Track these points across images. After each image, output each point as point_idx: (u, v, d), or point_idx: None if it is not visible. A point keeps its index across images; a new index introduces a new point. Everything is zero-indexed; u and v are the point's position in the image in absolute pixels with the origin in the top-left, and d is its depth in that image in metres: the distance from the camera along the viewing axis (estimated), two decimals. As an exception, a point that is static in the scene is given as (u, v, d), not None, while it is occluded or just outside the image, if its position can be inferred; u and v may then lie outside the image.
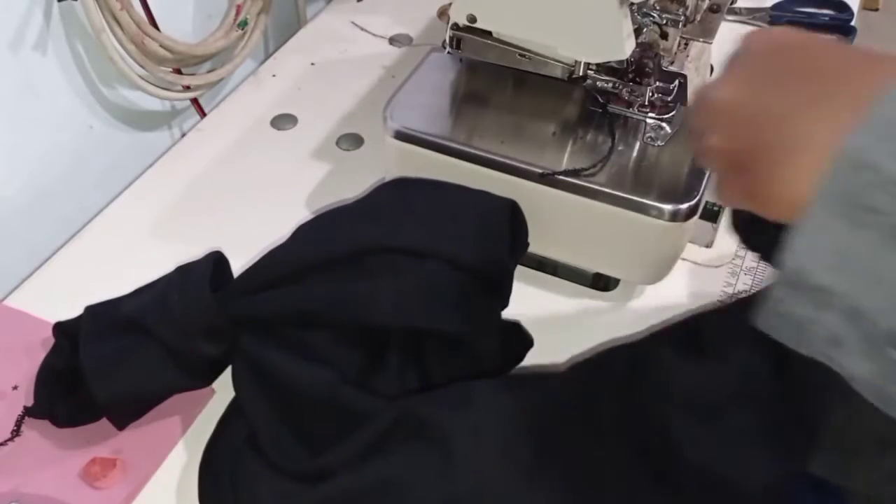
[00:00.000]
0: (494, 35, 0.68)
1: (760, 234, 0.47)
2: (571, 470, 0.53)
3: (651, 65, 0.68)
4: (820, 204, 0.33)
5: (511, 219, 0.65)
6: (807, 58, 0.36)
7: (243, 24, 0.88)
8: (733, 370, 0.49)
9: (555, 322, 0.68)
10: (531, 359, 0.65)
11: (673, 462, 0.50)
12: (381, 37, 1.01)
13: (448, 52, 0.72)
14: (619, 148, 0.67)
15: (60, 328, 0.61)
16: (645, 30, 0.68)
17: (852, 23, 1.01)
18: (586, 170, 0.64)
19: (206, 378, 0.62)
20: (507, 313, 0.66)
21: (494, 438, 0.53)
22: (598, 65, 0.67)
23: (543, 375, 0.60)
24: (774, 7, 1.03)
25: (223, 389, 0.62)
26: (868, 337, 0.33)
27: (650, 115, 0.69)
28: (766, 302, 0.36)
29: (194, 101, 0.90)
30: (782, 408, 0.49)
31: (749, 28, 1.01)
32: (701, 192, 0.63)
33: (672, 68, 0.71)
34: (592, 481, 0.53)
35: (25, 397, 0.62)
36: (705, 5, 0.70)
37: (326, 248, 0.60)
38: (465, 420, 0.54)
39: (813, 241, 0.33)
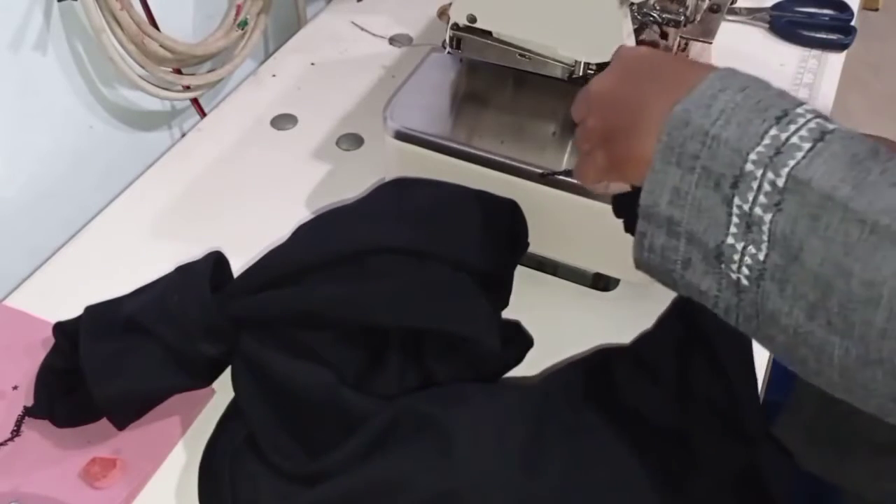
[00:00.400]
0: (494, 35, 0.68)
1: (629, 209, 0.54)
2: (566, 459, 0.54)
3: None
4: (658, 155, 0.44)
5: (511, 219, 0.65)
6: (656, 64, 0.49)
7: (243, 24, 0.88)
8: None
9: (555, 322, 0.68)
10: (531, 359, 0.65)
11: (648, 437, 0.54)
12: (381, 37, 1.01)
13: (448, 52, 0.72)
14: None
15: (60, 328, 0.61)
16: (645, 30, 0.68)
17: (852, 23, 1.01)
18: None
19: (206, 378, 0.62)
20: (507, 313, 0.66)
21: (491, 431, 0.54)
22: (598, 65, 0.67)
23: (529, 384, 0.61)
24: (774, 7, 1.03)
25: (223, 389, 0.62)
26: (705, 256, 0.43)
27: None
28: (636, 240, 0.46)
29: (194, 101, 0.90)
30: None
31: (748, 27, 1.01)
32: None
33: (672, 68, 0.71)
34: (587, 469, 0.53)
35: (25, 397, 0.62)
36: (705, 5, 0.71)
37: (326, 248, 0.60)
38: (462, 414, 0.54)
39: (655, 182, 0.44)
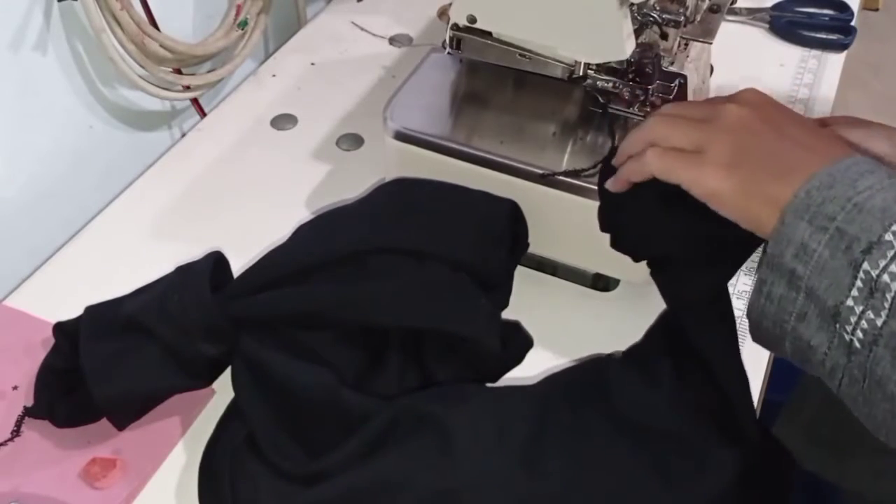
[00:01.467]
0: (494, 35, 0.68)
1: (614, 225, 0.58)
2: (566, 459, 0.54)
3: (651, 65, 0.68)
4: (791, 209, 0.45)
5: (511, 219, 0.65)
6: (798, 124, 0.51)
7: (243, 24, 0.88)
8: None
9: (555, 322, 0.68)
10: (531, 359, 0.65)
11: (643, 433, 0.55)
12: (381, 37, 1.01)
13: (448, 53, 0.72)
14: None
15: (60, 328, 0.61)
16: (645, 30, 0.68)
17: (852, 23, 1.01)
18: (586, 170, 0.64)
19: (206, 378, 0.62)
20: (507, 313, 0.66)
21: (492, 430, 0.54)
22: (598, 65, 0.67)
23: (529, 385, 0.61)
24: (774, 7, 1.03)
25: (223, 389, 0.62)
26: (821, 312, 0.45)
27: (650, 114, 0.69)
28: (755, 287, 0.48)
29: (194, 101, 0.90)
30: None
31: (748, 28, 1.01)
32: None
33: (672, 68, 0.71)
34: (587, 469, 0.54)
35: (25, 397, 0.62)
36: (705, 5, 0.71)
37: (327, 248, 0.60)
38: (462, 414, 0.54)
39: (783, 235, 0.46)
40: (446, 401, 0.55)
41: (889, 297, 0.42)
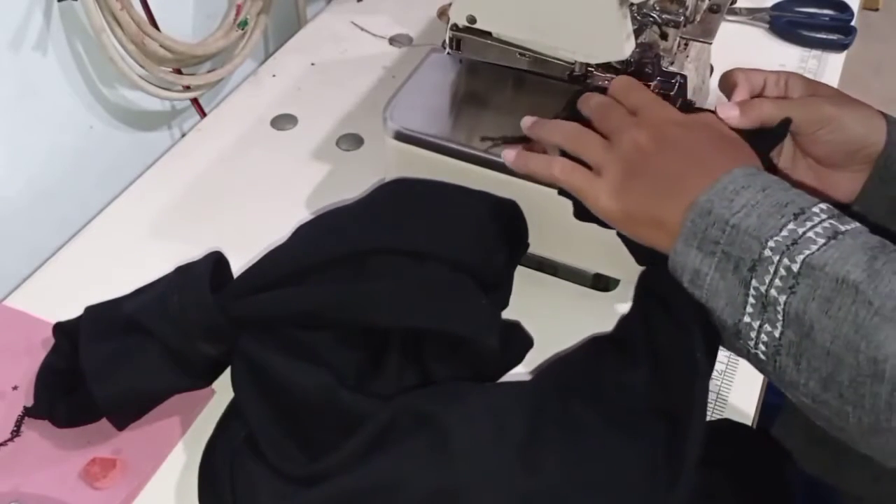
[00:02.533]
0: (494, 35, 0.68)
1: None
2: (563, 455, 0.54)
3: (651, 65, 0.68)
4: (681, 238, 0.49)
5: (511, 219, 0.65)
6: (695, 138, 0.54)
7: (243, 24, 0.88)
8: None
9: (555, 322, 0.68)
10: (531, 359, 0.65)
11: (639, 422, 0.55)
12: (381, 37, 1.01)
13: (448, 53, 0.72)
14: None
15: (60, 328, 0.61)
16: (645, 30, 0.68)
17: (852, 23, 1.01)
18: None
19: (206, 378, 0.62)
20: (507, 313, 0.66)
21: (488, 428, 0.54)
22: (598, 65, 0.67)
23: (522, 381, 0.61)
24: (774, 7, 1.03)
25: (223, 390, 0.62)
26: (726, 330, 0.48)
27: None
28: None
29: (194, 101, 0.90)
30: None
31: (748, 28, 1.01)
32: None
33: (672, 68, 0.71)
34: (584, 464, 0.54)
35: (25, 397, 0.62)
36: (705, 5, 0.71)
37: (326, 248, 0.60)
38: (459, 412, 0.54)
39: (677, 262, 0.50)
40: (443, 399, 0.55)
41: (780, 309, 0.45)
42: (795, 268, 0.44)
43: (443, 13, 1.02)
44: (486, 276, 0.62)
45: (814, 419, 0.48)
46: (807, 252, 0.44)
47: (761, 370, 0.49)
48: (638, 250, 0.57)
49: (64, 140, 0.78)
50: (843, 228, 0.45)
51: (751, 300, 0.46)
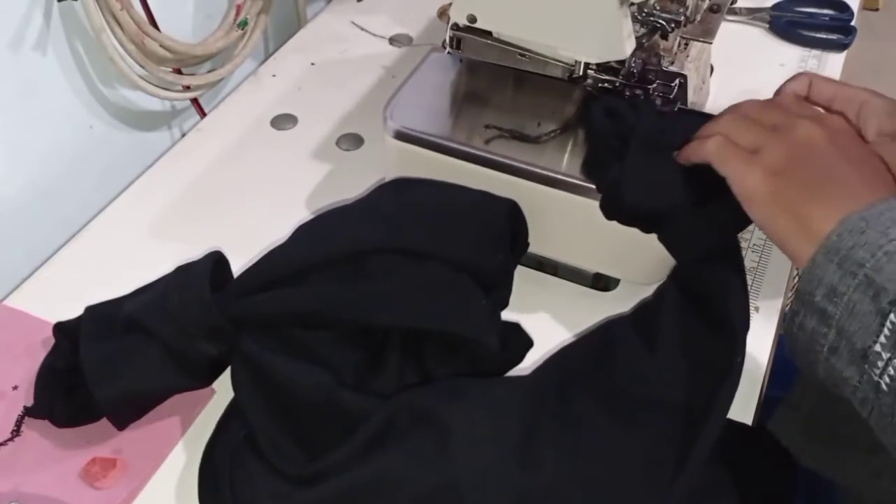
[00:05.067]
0: (494, 35, 0.68)
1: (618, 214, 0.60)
2: (562, 450, 0.54)
3: (651, 64, 0.68)
4: (822, 251, 0.47)
5: (511, 219, 0.65)
6: (858, 155, 0.52)
7: (243, 24, 0.88)
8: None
9: (555, 322, 0.68)
10: (531, 359, 0.65)
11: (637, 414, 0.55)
12: (381, 37, 1.01)
13: (448, 52, 0.72)
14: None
15: (60, 328, 0.61)
16: (645, 30, 0.68)
17: (852, 23, 1.01)
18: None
19: (206, 378, 0.62)
20: (507, 313, 0.66)
21: (487, 424, 0.54)
22: (598, 65, 0.67)
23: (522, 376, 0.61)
24: (774, 7, 1.03)
25: (223, 389, 0.62)
26: (851, 351, 0.46)
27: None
28: (788, 315, 0.49)
29: (194, 101, 0.90)
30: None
31: (748, 27, 1.00)
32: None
33: (672, 68, 0.71)
34: (583, 459, 0.54)
35: (25, 397, 0.62)
36: (705, 5, 0.71)
37: (326, 248, 0.60)
38: (458, 409, 0.54)
39: (813, 275, 0.47)
40: (442, 395, 0.55)
41: None
42: None
43: (443, 13, 1.02)
44: (486, 276, 0.62)
45: (894, 453, 0.47)
46: None
47: (875, 403, 0.47)
48: (687, 246, 0.57)
49: (64, 140, 0.78)
50: None
51: (885, 331, 0.44)
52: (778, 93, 0.62)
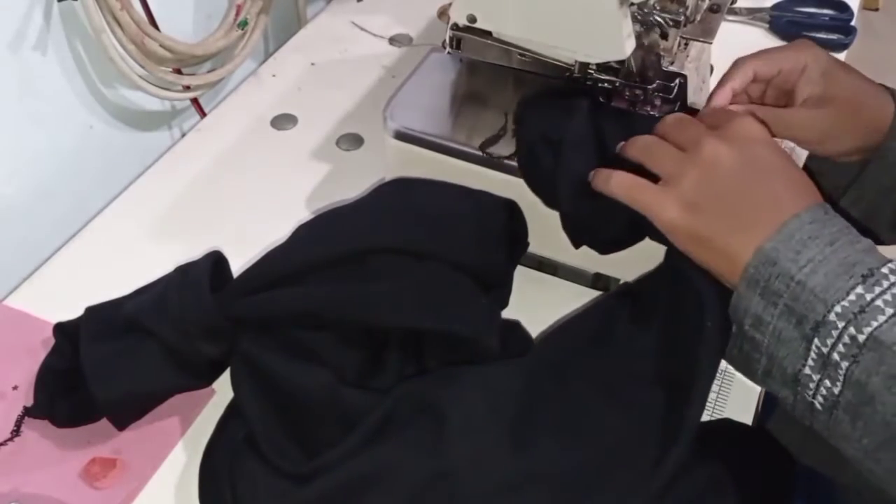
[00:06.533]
0: (494, 35, 0.68)
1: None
2: (555, 433, 0.54)
3: (651, 65, 0.68)
4: (743, 283, 0.49)
5: (511, 219, 0.65)
6: (770, 169, 0.51)
7: (243, 24, 0.88)
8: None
9: (555, 322, 0.68)
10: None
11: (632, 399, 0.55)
12: (381, 37, 1.01)
13: (448, 52, 0.72)
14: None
15: (61, 329, 0.61)
16: (645, 30, 0.68)
17: (852, 23, 1.01)
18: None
19: (206, 378, 0.62)
20: (507, 313, 0.66)
21: (482, 409, 0.54)
22: (598, 65, 0.67)
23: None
24: (774, 7, 1.03)
25: (223, 390, 0.62)
26: (783, 375, 0.48)
27: (651, 114, 0.69)
28: (732, 337, 0.51)
29: (194, 101, 0.90)
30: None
31: (748, 27, 1.01)
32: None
33: (672, 68, 0.71)
34: (574, 441, 0.54)
35: (25, 397, 0.62)
36: (705, 5, 0.70)
37: (326, 248, 0.60)
38: (453, 395, 0.54)
39: (740, 304, 0.49)
40: (437, 384, 0.56)
41: (841, 372, 0.44)
42: (861, 339, 0.43)
43: (443, 13, 1.02)
44: (486, 275, 0.62)
45: (859, 468, 0.47)
46: (874, 324, 0.43)
47: (812, 419, 0.48)
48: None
49: (64, 140, 0.78)
50: None
51: (812, 355, 0.46)
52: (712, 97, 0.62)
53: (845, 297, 0.45)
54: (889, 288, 0.44)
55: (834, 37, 0.99)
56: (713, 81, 0.89)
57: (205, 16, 0.89)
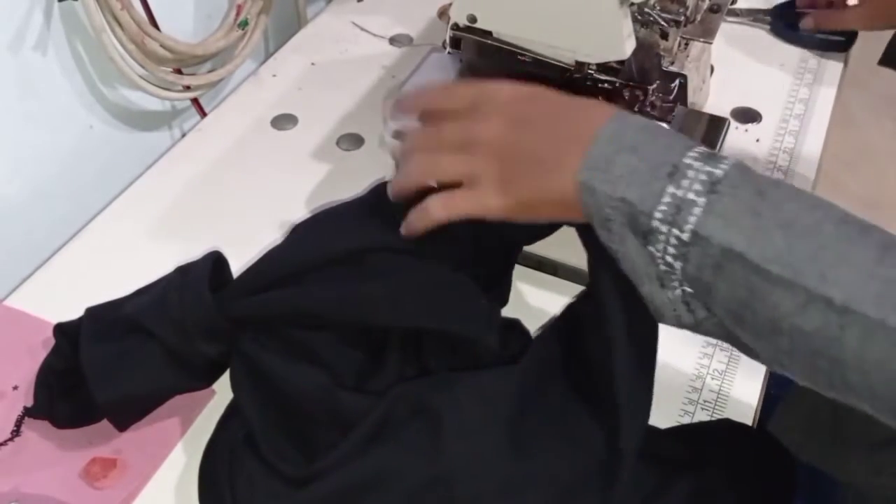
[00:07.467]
0: (494, 35, 0.68)
1: None
2: (550, 435, 0.54)
3: (651, 65, 0.68)
4: (586, 219, 0.49)
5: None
6: (546, 111, 0.52)
7: (244, 24, 0.88)
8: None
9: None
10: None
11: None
12: (381, 37, 1.01)
13: (448, 52, 0.72)
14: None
15: (61, 329, 0.61)
16: (645, 30, 0.68)
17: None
18: None
19: (206, 379, 0.62)
20: (508, 313, 0.66)
21: (478, 410, 0.54)
22: (598, 65, 0.67)
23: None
24: (775, 7, 1.03)
25: (223, 390, 0.62)
26: (651, 289, 0.48)
27: (650, 115, 0.69)
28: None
29: (194, 101, 0.90)
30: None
31: (748, 28, 1.01)
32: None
33: (672, 68, 0.71)
34: (568, 443, 0.54)
35: (25, 397, 0.62)
36: (705, 5, 0.71)
37: (325, 248, 0.60)
38: (449, 397, 0.54)
39: (589, 241, 0.51)
40: (433, 387, 0.56)
41: (677, 273, 0.45)
42: (686, 237, 0.44)
43: (443, 13, 1.02)
44: (485, 275, 0.62)
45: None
46: (692, 220, 0.44)
47: (692, 325, 0.48)
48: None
49: (64, 140, 0.78)
50: (718, 174, 0.44)
51: (658, 264, 0.46)
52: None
53: (660, 200, 0.45)
54: (696, 177, 0.45)
55: (834, 37, 0.99)
56: (713, 81, 0.89)
57: (205, 16, 0.89)
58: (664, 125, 0.53)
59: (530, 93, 0.53)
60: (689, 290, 0.46)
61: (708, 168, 0.45)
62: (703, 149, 0.47)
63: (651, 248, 0.46)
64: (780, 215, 0.43)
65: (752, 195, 0.44)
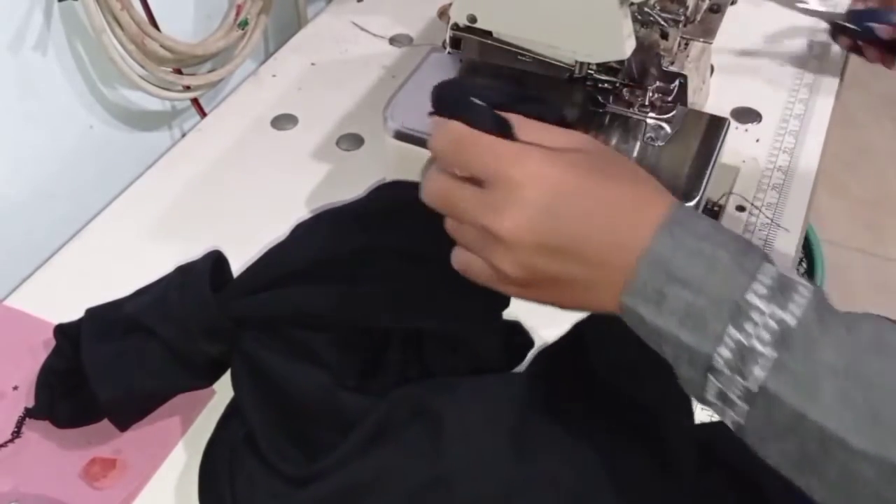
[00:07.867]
0: (494, 35, 0.68)
1: None
2: (553, 442, 0.54)
3: (651, 65, 0.68)
4: (631, 300, 0.42)
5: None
6: (575, 203, 0.43)
7: (243, 24, 0.88)
8: None
9: (554, 322, 0.68)
10: (531, 359, 0.65)
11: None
12: (381, 37, 1.01)
13: (448, 52, 0.72)
14: (620, 147, 0.67)
15: (61, 331, 0.61)
16: (645, 30, 0.68)
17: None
18: None
19: (208, 378, 0.62)
20: (507, 313, 0.66)
21: (480, 417, 0.54)
22: (598, 65, 0.67)
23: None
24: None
25: (223, 390, 0.62)
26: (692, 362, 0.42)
27: (650, 115, 0.69)
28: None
29: (194, 101, 0.90)
30: None
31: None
32: (701, 192, 0.63)
33: (672, 68, 0.71)
34: (571, 448, 0.54)
35: (26, 398, 0.62)
36: (705, 5, 0.71)
37: (326, 248, 0.60)
38: (451, 403, 0.54)
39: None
40: (435, 390, 0.56)
41: (739, 406, 0.41)
42: (752, 388, 0.40)
43: (443, 13, 1.02)
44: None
45: None
46: (759, 375, 0.39)
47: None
48: None
49: (64, 140, 0.78)
50: (790, 322, 0.39)
51: (714, 387, 0.42)
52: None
53: (720, 343, 0.40)
54: (762, 324, 0.39)
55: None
56: (713, 81, 0.89)
57: (205, 16, 0.89)
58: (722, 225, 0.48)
59: (559, 177, 0.43)
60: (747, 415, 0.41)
61: (778, 313, 0.39)
62: (769, 278, 0.41)
63: (712, 378, 0.41)
64: (863, 375, 0.38)
65: (831, 351, 0.39)
